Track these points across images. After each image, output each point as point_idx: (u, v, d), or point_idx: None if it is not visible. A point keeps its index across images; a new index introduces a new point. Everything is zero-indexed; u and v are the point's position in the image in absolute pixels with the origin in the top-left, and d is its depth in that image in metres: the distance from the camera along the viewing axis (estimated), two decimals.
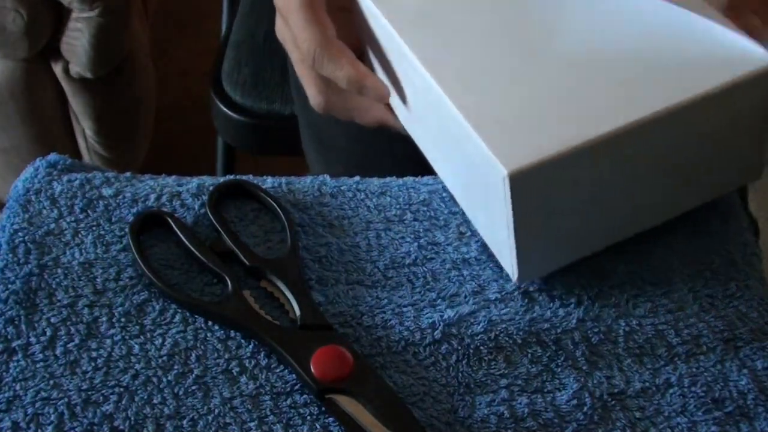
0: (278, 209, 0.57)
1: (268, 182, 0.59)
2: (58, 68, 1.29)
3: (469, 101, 0.51)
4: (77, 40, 1.24)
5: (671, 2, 0.55)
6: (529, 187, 0.49)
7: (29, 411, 0.48)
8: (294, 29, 0.58)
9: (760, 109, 0.53)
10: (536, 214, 0.50)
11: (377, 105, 0.60)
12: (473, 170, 0.52)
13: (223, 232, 0.56)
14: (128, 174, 0.60)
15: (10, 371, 0.50)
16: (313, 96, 0.61)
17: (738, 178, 0.57)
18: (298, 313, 0.52)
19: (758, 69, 0.51)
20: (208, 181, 0.59)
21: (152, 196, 0.58)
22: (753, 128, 0.54)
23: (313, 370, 0.49)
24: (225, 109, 1.06)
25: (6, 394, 0.49)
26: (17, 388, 0.49)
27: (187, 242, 0.55)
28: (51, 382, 0.50)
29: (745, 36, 0.52)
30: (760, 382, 0.51)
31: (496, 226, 0.52)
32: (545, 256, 0.53)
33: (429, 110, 0.56)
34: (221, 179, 0.59)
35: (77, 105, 1.34)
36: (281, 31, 0.61)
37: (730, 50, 0.52)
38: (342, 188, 0.59)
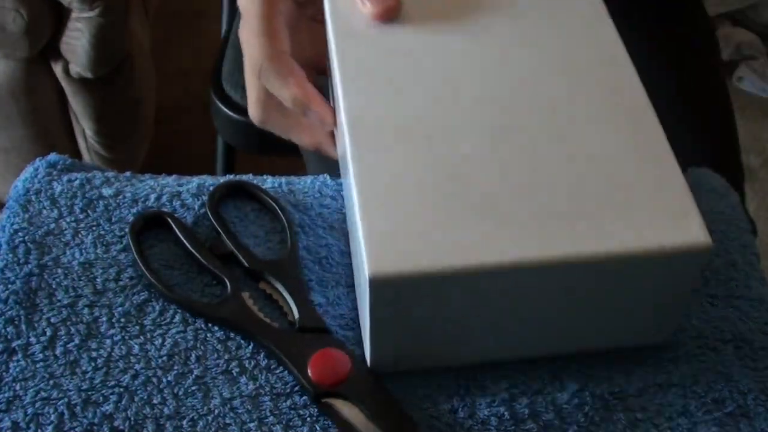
0: (278, 210, 0.57)
1: (268, 182, 0.59)
2: (58, 68, 1.29)
3: (373, 180, 0.47)
4: (77, 40, 1.23)
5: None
6: (393, 294, 0.45)
7: (29, 411, 0.48)
8: (248, 34, 0.57)
9: (678, 282, 0.47)
10: (397, 319, 0.46)
11: (318, 129, 0.58)
12: (355, 243, 0.48)
13: (223, 234, 0.55)
14: (128, 174, 0.60)
15: (10, 371, 0.50)
16: (253, 106, 0.59)
17: (643, 337, 0.51)
18: (296, 315, 0.52)
19: (687, 245, 0.45)
20: (208, 181, 0.59)
21: (152, 196, 0.58)
22: (667, 298, 0.48)
23: (310, 373, 0.49)
24: (225, 109, 1.06)
25: (6, 394, 0.49)
26: (17, 388, 0.49)
27: (187, 243, 0.55)
28: (51, 382, 0.50)
29: (692, 202, 0.46)
30: (761, 381, 0.51)
31: (362, 306, 0.49)
32: (404, 356, 0.49)
33: (344, 160, 0.52)
34: (221, 179, 0.59)
35: (77, 105, 1.34)
36: (241, 32, 0.59)
37: (669, 212, 0.46)
38: (342, 192, 0.59)
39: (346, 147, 0.49)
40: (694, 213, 0.46)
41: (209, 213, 0.56)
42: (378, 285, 0.44)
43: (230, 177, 0.59)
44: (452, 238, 0.45)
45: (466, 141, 0.49)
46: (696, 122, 0.78)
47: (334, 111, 0.56)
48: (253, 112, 0.59)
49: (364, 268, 0.44)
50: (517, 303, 0.47)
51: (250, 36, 0.57)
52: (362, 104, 0.50)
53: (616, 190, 0.47)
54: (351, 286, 0.54)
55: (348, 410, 0.48)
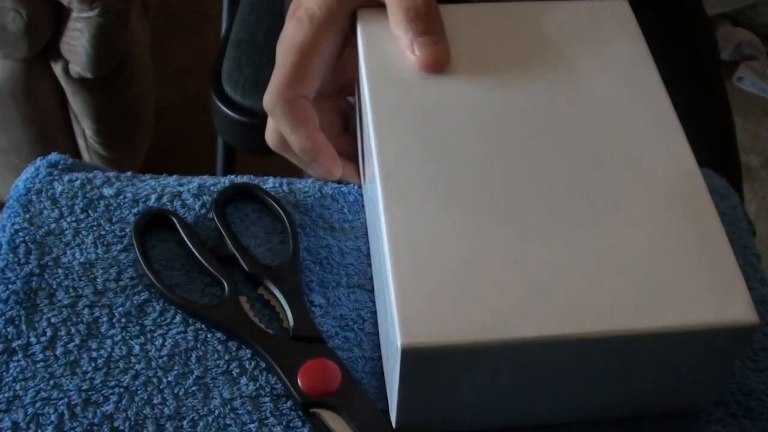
0: (282, 213, 0.57)
1: (269, 183, 0.59)
2: (58, 68, 1.29)
3: (407, 246, 0.45)
4: (77, 40, 1.23)
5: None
6: (424, 364, 0.44)
7: (29, 411, 0.48)
8: (277, 57, 0.55)
9: (721, 356, 0.46)
10: (427, 386, 0.45)
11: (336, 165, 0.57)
12: (385, 306, 0.47)
13: (225, 236, 0.55)
14: (129, 174, 0.60)
15: (10, 371, 0.50)
16: (270, 132, 0.58)
17: (680, 405, 0.50)
18: (291, 323, 0.52)
19: (733, 323, 0.43)
20: (209, 181, 0.59)
21: (153, 197, 0.58)
22: (708, 369, 0.47)
23: (300, 382, 0.49)
24: (225, 109, 1.06)
25: (6, 394, 0.49)
26: (17, 388, 0.49)
27: (189, 243, 0.55)
28: (51, 382, 0.50)
29: (739, 277, 0.45)
30: (762, 382, 0.51)
31: (389, 368, 0.48)
32: (432, 420, 0.48)
33: (372, 216, 0.51)
34: (222, 179, 0.59)
35: (77, 105, 1.34)
36: (280, 41, 0.56)
37: (716, 286, 0.44)
38: (343, 190, 0.59)
39: (378, 203, 0.47)
40: (742, 289, 0.44)
41: (215, 217, 0.56)
42: (409, 355, 0.43)
43: (233, 178, 0.59)
44: (489, 309, 0.43)
45: (504, 207, 0.47)
46: (695, 122, 0.78)
47: (341, 164, 0.56)
48: (270, 139, 0.58)
49: (396, 337, 0.43)
50: (553, 374, 0.45)
51: (280, 61, 0.54)
52: (396, 160, 0.49)
53: (660, 262, 0.45)
54: (351, 287, 0.54)
55: (335, 423, 0.48)
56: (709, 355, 0.46)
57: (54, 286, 0.53)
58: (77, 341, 0.51)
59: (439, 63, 0.53)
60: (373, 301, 0.54)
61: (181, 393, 0.49)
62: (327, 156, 0.56)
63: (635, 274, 0.45)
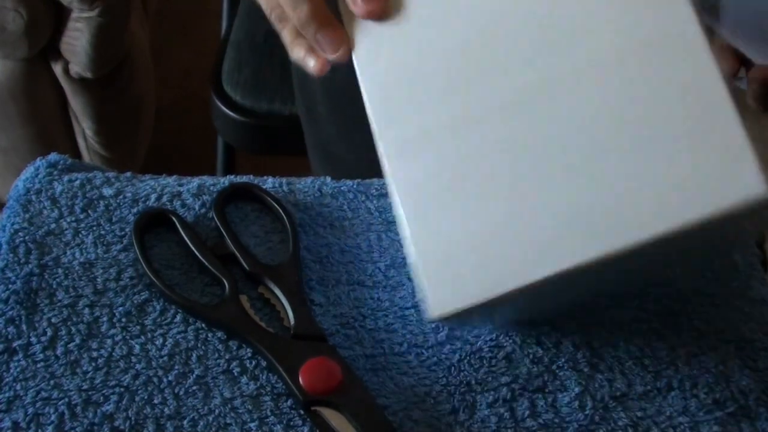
0: (282, 213, 0.57)
1: (269, 182, 0.59)
2: (58, 68, 1.29)
3: (423, 221, 0.47)
4: (77, 40, 1.24)
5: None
6: (453, 319, 0.47)
7: (30, 411, 0.48)
8: None
9: (741, 229, 0.46)
10: (462, 322, 0.50)
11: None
12: (409, 256, 0.49)
13: (225, 236, 0.55)
14: (129, 174, 0.60)
15: (11, 371, 0.50)
16: (271, 5, 0.54)
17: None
18: (292, 321, 0.52)
19: (745, 199, 0.42)
20: (209, 181, 0.59)
21: (153, 196, 0.58)
22: (725, 242, 0.48)
23: (301, 381, 0.49)
24: (225, 109, 1.06)
25: (6, 394, 0.49)
26: (18, 388, 0.49)
27: (189, 243, 0.55)
28: (51, 382, 0.50)
29: (747, 147, 0.44)
30: (762, 382, 0.51)
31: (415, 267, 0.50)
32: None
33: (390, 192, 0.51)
34: (221, 179, 0.59)
35: (77, 105, 1.34)
36: None
37: (724, 168, 0.43)
38: (342, 189, 0.59)
39: (389, 179, 0.49)
40: (751, 161, 0.43)
41: (215, 216, 0.56)
42: (440, 320, 0.47)
43: (233, 178, 0.59)
44: (510, 255, 0.45)
45: (509, 142, 0.47)
46: None
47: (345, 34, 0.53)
48: (270, 10, 0.55)
49: (427, 307, 0.47)
50: (581, 288, 0.48)
51: None
52: (393, 114, 0.49)
53: (669, 158, 0.44)
54: (352, 284, 0.54)
55: (337, 420, 0.48)
56: (732, 230, 0.46)
57: (54, 286, 0.53)
58: (77, 341, 0.51)
59: (373, 13, 0.51)
60: (373, 298, 0.54)
61: (181, 392, 0.49)
62: (332, 26, 0.52)
63: (646, 179, 0.44)
